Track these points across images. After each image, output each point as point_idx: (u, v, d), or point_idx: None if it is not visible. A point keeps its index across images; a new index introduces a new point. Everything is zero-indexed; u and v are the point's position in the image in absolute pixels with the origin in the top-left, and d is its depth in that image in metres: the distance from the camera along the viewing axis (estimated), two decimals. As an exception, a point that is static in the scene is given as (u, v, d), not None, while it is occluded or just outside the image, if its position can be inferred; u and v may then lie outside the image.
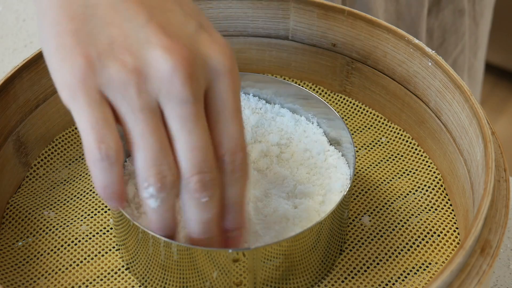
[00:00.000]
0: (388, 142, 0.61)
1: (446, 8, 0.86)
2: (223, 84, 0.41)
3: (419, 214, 0.55)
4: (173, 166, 0.41)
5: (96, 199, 0.56)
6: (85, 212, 0.55)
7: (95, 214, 0.55)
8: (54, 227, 0.54)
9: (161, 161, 0.40)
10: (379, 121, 0.62)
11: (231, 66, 0.41)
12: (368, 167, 0.59)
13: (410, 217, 0.55)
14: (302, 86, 0.61)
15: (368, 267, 0.52)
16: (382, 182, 0.57)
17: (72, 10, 0.41)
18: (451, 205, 0.56)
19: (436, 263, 0.52)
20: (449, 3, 0.86)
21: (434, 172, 0.58)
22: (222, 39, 0.42)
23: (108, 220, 0.55)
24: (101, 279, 0.51)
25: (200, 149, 0.41)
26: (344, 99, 0.64)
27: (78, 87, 0.39)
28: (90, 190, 0.57)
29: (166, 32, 0.40)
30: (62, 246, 0.53)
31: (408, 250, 0.53)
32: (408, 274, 0.51)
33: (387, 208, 0.55)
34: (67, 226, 0.54)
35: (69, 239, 0.53)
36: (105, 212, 0.55)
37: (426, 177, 0.58)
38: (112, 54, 0.39)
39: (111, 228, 0.54)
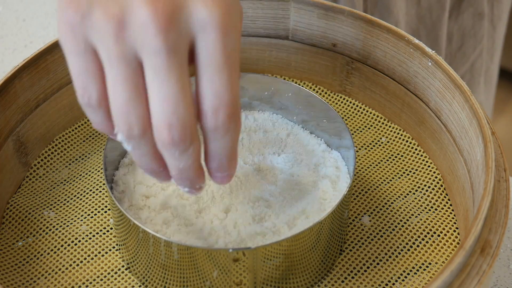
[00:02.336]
0: (388, 142, 0.61)
1: (466, 12, 0.86)
2: (209, 37, 0.39)
3: (419, 214, 0.55)
4: (143, 116, 0.40)
5: (96, 199, 0.56)
6: (85, 212, 0.55)
7: (95, 214, 0.55)
8: (54, 227, 0.54)
9: (129, 111, 0.40)
10: (379, 121, 0.62)
11: (221, 18, 0.39)
12: (368, 167, 0.59)
13: (410, 217, 0.55)
14: (302, 86, 0.61)
15: (368, 267, 0.52)
16: (382, 182, 0.57)
17: None
18: (451, 205, 0.56)
19: (436, 263, 0.52)
20: (469, 6, 0.86)
21: (434, 172, 0.58)
22: None
23: (108, 220, 0.55)
24: (101, 279, 0.51)
25: (171, 101, 0.39)
26: (344, 99, 0.64)
27: (67, 34, 0.40)
28: (90, 190, 0.57)
29: None
30: (62, 246, 0.53)
31: (408, 250, 0.53)
32: (408, 274, 0.51)
33: (387, 208, 0.55)
34: (67, 226, 0.54)
35: (69, 239, 0.53)
36: (105, 212, 0.55)
37: (426, 177, 0.58)
38: (99, 1, 0.39)
39: (111, 228, 0.54)
